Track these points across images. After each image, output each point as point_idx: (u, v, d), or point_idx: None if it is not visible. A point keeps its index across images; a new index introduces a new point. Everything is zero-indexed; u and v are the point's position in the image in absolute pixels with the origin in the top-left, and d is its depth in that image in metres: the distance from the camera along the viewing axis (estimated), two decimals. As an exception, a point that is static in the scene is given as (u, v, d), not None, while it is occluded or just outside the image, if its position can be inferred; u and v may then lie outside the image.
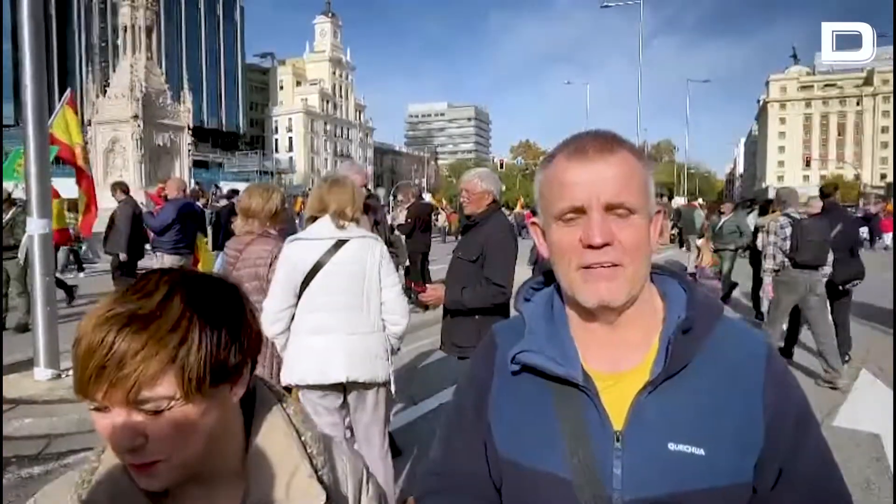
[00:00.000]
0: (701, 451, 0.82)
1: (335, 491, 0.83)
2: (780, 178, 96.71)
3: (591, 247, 0.84)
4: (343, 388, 2.79)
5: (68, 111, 7.29)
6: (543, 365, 0.90)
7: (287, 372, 2.80)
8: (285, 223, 3.39)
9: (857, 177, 78.15)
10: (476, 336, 3.10)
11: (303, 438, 0.83)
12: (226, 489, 0.80)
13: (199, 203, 11.70)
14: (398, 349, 3.04)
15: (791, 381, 0.91)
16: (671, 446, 0.83)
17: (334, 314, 2.75)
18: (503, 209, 3.86)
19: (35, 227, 5.24)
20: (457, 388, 1.09)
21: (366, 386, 2.80)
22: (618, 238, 0.84)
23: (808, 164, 76.18)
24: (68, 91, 7.80)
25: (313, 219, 2.88)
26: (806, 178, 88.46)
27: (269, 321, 2.76)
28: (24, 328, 6.97)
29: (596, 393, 0.87)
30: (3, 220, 7.39)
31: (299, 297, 2.78)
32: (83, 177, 7.73)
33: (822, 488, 0.88)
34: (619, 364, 0.90)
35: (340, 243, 2.79)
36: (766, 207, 9.91)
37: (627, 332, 0.90)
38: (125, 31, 41.13)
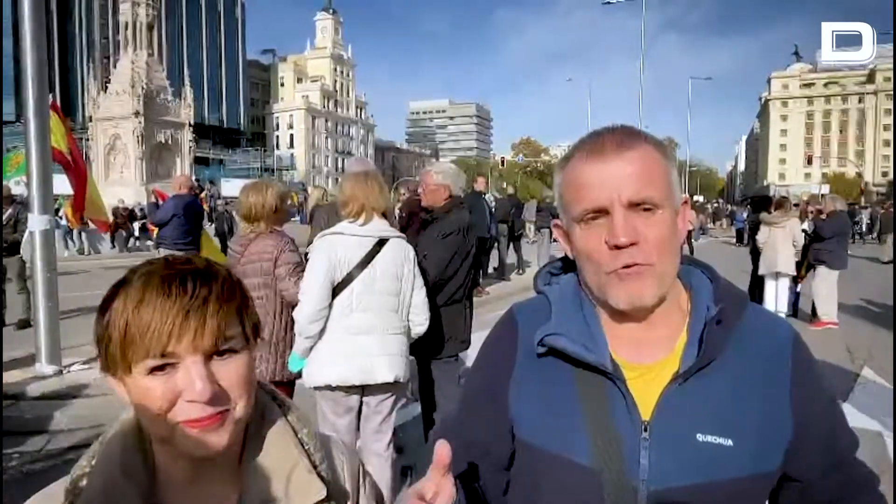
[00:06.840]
0: (729, 442, 0.82)
1: (335, 486, 0.83)
2: (782, 175, 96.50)
3: (617, 247, 0.82)
4: (361, 388, 2.75)
5: (52, 116, 7.65)
6: (573, 349, 0.88)
7: (319, 372, 2.68)
8: (287, 220, 3.33)
9: (859, 175, 78.00)
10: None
11: (299, 435, 0.83)
12: (220, 488, 0.78)
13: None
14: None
15: (816, 366, 0.91)
16: (700, 437, 0.83)
17: (377, 314, 2.69)
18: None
19: (36, 223, 5.23)
20: (475, 361, 1.05)
21: (389, 386, 2.76)
22: (644, 236, 0.82)
23: (809, 161, 75.97)
24: (49, 97, 8.18)
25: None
26: (807, 175, 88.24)
27: (308, 320, 2.63)
28: (26, 324, 6.97)
29: (624, 382, 0.86)
30: (3, 218, 7.39)
31: (334, 295, 2.68)
32: (70, 168, 7.79)
33: (857, 471, 0.92)
34: (646, 355, 0.89)
35: (382, 242, 2.71)
36: (761, 204, 9.91)
37: (656, 325, 0.89)
38: (126, 27, 41.17)
